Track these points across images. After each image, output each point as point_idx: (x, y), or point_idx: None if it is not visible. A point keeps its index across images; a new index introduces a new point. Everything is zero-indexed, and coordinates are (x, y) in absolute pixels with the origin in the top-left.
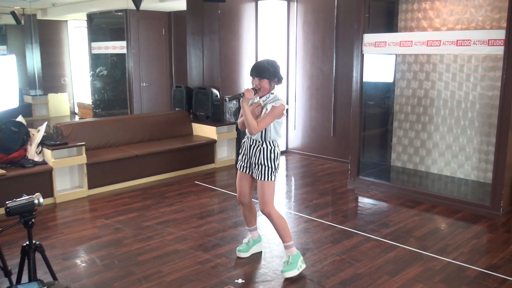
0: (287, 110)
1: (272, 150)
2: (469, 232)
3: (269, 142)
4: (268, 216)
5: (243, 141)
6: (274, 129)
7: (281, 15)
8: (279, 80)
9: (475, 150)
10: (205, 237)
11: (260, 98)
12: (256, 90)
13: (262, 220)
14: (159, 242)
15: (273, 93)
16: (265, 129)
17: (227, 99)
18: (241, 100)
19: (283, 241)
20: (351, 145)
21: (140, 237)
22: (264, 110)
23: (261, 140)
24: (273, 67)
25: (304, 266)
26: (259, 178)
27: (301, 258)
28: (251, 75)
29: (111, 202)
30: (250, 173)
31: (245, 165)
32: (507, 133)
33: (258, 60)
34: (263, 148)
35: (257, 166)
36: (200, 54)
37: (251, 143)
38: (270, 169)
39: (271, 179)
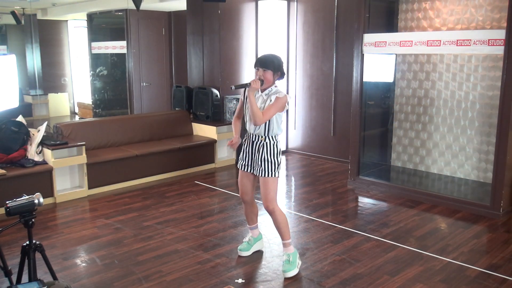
0: (288, 104)
1: (275, 145)
2: (469, 232)
3: (272, 137)
4: (271, 213)
5: (243, 140)
6: (276, 123)
7: (281, 15)
8: (281, 75)
9: (475, 150)
10: (205, 237)
11: (262, 92)
12: (262, 82)
13: (262, 220)
14: (159, 242)
15: (276, 86)
16: (268, 123)
17: (233, 87)
18: (247, 89)
19: (283, 238)
20: (351, 145)
21: (140, 237)
22: (268, 102)
23: (264, 134)
24: (277, 60)
25: (300, 262)
26: (262, 175)
27: (298, 255)
28: (255, 66)
29: (111, 202)
30: (252, 171)
31: (246, 163)
32: (507, 133)
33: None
34: (266, 143)
35: (260, 163)
36: (200, 54)
37: (253, 139)
38: (273, 164)
39: (274, 175)
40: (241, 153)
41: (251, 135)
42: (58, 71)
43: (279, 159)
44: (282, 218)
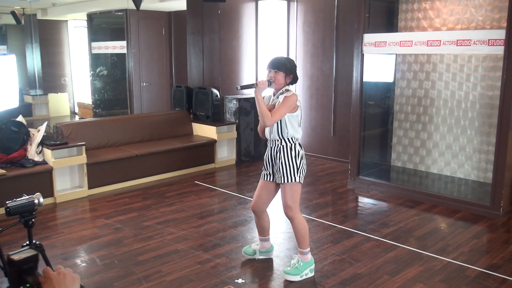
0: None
1: (292, 148)
2: (469, 232)
3: (288, 139)
4: (291, 221)
5: (266, 153)
6: (290, 124)
7: (281, 15)
8: (294, 79)
9: (475, 150)
10: (205, 237)
11: (274, 95)
12: (270, 83)
13: None
14: (159, 242)
15: (288, 90)
16: (281, 126)
17: (239, 87)
18: (254, 90)
19: (299, 246)
20: (351, 145)
21: (140, 237)
22: (277, 102)
23: (279, 137)
24: (290, 63)
25: (311, 275)
26: (282, 181)
27: (312, 267)
28: (267, 68)
29: (111, 202)
30: (273, 179)
31: (269, 172)
32: (507, 133)
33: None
34: (283, 146)
35: (279, 169)
36: (200, 54)
37: (271, 145)
38: (292, 167)
39: (294, 180)
40: (264, 163)
41: (270, 142)
42: (58, 71)
43: (297, 162)
44: (301, 227)
